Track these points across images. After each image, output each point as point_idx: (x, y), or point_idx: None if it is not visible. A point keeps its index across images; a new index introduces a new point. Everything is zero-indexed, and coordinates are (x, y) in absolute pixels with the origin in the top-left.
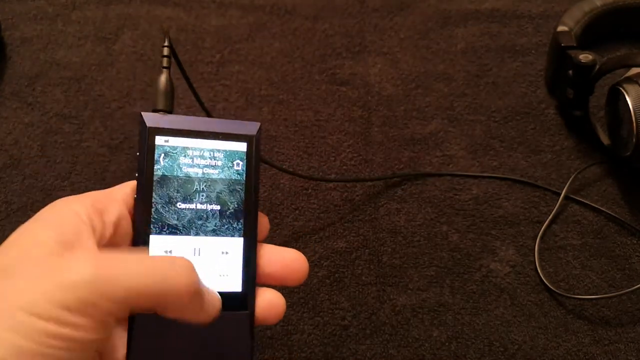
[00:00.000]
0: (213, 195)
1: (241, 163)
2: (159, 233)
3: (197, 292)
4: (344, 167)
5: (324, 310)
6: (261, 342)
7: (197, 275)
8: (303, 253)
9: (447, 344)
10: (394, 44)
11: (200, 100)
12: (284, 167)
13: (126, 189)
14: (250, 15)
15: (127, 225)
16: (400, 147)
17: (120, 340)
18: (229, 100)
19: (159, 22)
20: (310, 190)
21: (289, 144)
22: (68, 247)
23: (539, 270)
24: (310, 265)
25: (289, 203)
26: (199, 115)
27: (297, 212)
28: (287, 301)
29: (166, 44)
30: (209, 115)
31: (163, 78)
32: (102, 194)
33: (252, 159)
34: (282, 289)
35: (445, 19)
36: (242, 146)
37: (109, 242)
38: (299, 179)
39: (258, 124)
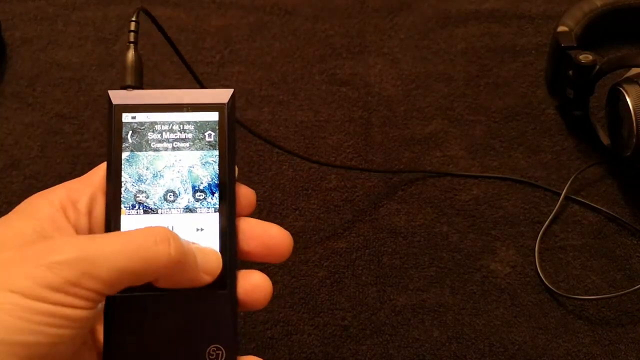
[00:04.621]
0: (184, 170)
1: (213, 134)
2: (130, 213)
3: (181, 260)
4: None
5: (324, 311)
6: (261, 342)
7: (179, 241)
8: (303, 254)
9: (447, 344)
10: (394, 44)
11: (187, 63)
12: (284, 168)
13: (100, 172)
14: (251, 16)
15: (101, 209)
16: (401, 147)
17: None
18: None
19: (159, 23)
20: (310, 191)
21: (289, 144)
22: (46, 234)
23: (539, 271)
24: (310, 266)
25: (290, 203)
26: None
27: (297, 212)
28: (287, 301)
29: (134, 18)
30: (200, 84)
31: (130, 53)
32: (77, 182)
33: (225, 129)
34: (283, 288)
35: (445, 19)
36: (213, 116)
37: (86, 228)
38: (299, 179)
39: (231, 91)
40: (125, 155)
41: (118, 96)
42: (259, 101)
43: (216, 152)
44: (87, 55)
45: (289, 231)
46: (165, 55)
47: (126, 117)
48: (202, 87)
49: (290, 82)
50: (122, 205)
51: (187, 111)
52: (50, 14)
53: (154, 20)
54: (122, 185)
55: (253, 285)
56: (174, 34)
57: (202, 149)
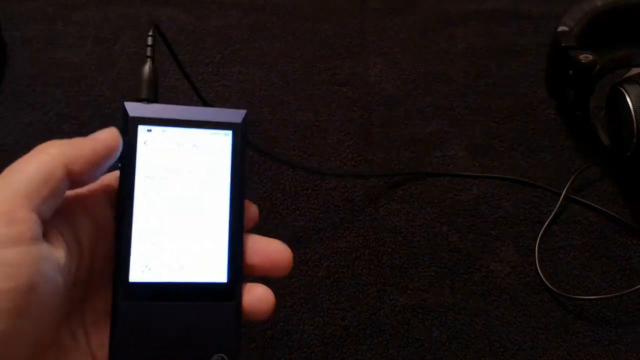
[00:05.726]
0: (197, 184)
1: (226, 151)
2: (142, 222)
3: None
4: (344, 167)
5: (324, 311)
6: (261, 342)
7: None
8: (303, 253)
9: (447, 344)
10: (394, 44)
11: (194, 84)
12: (284, 168)
13: (104, 181)
14: (251, 16)
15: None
16: (401, 147)
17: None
18: (229, 100)
19: (159, 23)
20: (310, 191)
21: (289, 145)
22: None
23: (540, 271)
24: (310, 266)
25: (290, 203)
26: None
27: (297, 212)
28: (287, 301)
29: (150, 33)
30: (203, 101)
31: (147, 67)
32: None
33: (238, 147)
34: (283, 287)
35: (445, 19)
36: (227, 134)
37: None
38: (299, 179)
39: (244, 112)
40: (139, 166)
41: (134, 108)
42: (258, 101)
43: (229, 169)
44: (87, 55)
45: (288, 231)
46: (165, 54)
47: (142, 130)
48: (205, 103)
49: (290, 82)
50: (134, 215)
51: (202, 128)
52: (50, 14)
53: (165, 39)
54: (135, 195)
55: (257, 297)
56: (174, 34)
57: (215, 165)
